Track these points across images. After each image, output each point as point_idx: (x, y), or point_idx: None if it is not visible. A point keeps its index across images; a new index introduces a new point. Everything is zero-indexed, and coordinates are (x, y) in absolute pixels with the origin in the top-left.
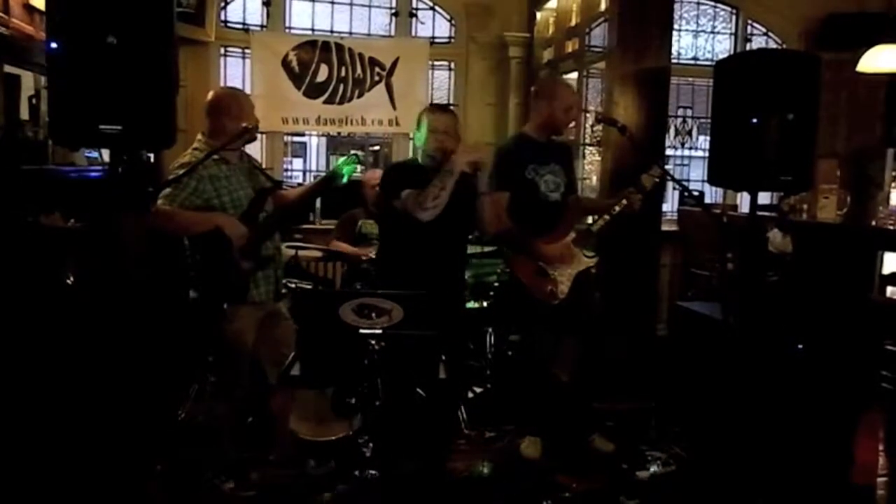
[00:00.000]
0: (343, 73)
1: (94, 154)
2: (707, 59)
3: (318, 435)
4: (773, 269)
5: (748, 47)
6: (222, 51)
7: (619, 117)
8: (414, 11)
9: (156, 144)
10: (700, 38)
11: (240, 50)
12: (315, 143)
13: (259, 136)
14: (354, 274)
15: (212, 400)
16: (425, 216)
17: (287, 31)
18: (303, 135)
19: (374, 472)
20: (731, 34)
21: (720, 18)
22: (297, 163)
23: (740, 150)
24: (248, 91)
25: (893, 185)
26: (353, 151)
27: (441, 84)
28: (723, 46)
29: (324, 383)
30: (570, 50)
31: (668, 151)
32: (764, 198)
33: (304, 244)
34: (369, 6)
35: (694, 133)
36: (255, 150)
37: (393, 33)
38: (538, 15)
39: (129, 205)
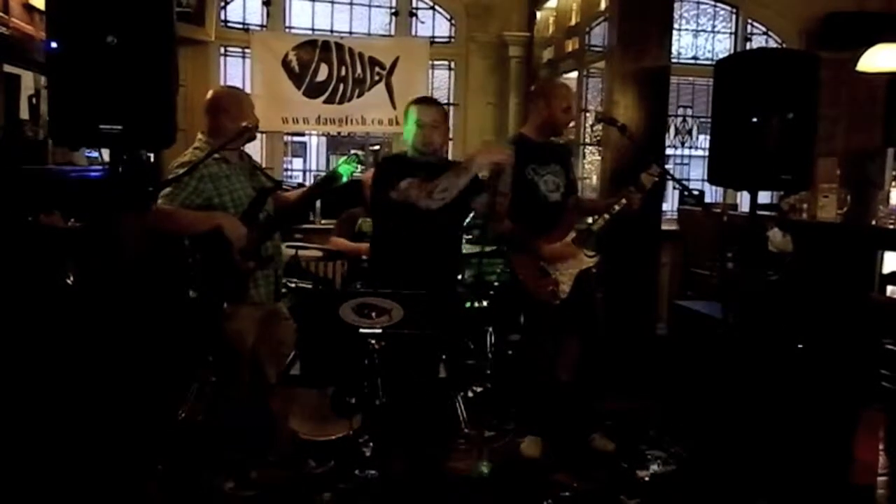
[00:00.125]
0: (343, 73)
1: (94, 154)
2: (707, 59)
3: (318, 435)
4: (772, 269)
5: (748, 46)
6: (222, 50)
7: (619, 117)
8: (414, 11)
9: (156, 144)
10: (700, 38)
11: (240, 50)
12: (315, 143)
13: (259, 135)
14: (354, 273)
15: (212, 400)
16: (432, 205)
17: (287, 30)
18: (303, 134)
19: (373, 472)
20: (730, 33)
21: (720, 18)
22: (297, 162)
23: (740, 149)
24: (247, 91)
25: (893, 184)
26: (352, 151)
27: (441, 84)
28: (723, 46)
29: (324, 383)
30: (570, 49)
31: (668, 151)
32: (764, 197)
33: (304, 244)
34: (369, 6)
35: (694, 132)
36: (255, 149)
37: (393, 33)
38: (538, 14)
39: (129, 205)
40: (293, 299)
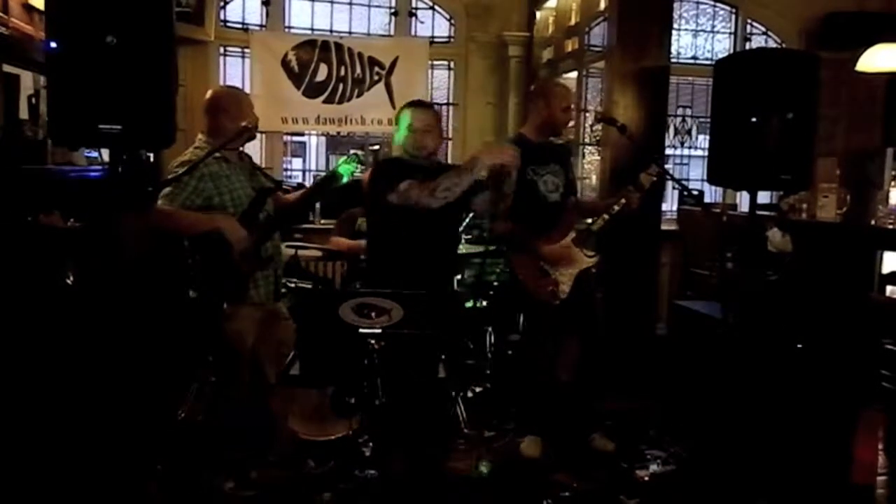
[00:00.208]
0: (342, 73)
1: (94, 154)
2: (706, 59)
3: (318, 435)
4: (772, 269)
5: (748, 46)
6: (222, 50)
7: (618, 116)
8: (413, 11)
9: (156, 144)
10: (699, 38)
11: (239, 49)
12: (315, 143)
13: (258, 135)
14: (354, 273)
15: (212, 400)
16: (433, 203)
17: (286, 30)
18: (302, 134)
19: (373, 471)
20: (730, 33)
21: (720, 17)
22: (297, 162)
23: (740, 149)
24: (247, 91)
25: (893, 184)
26: (352, 151)
27: (441, 83)
28: (722, 46)
29: (324, 383)
30: (569, 49)
31: (668, 151)
32: (763, 197)
33: (304, 244)
34: (369, 5)
35: (693, 132)
36: (254, 149)
37: (392, 33)
38: (538, 14)
39: (129, 205)
40: (293, 299)
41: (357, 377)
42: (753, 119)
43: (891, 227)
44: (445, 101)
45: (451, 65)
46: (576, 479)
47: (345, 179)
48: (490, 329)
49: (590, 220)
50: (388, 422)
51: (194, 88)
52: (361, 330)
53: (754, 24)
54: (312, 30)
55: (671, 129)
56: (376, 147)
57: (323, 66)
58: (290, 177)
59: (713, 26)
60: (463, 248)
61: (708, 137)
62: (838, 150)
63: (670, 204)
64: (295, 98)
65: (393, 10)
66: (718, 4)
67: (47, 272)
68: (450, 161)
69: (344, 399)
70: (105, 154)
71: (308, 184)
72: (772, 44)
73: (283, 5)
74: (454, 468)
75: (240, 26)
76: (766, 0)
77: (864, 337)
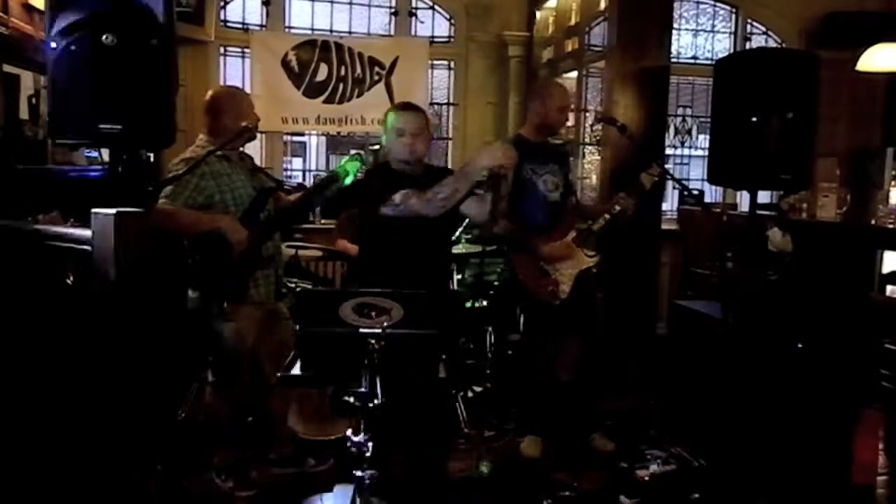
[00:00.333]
0: (343, 73)
1: (94, 154)
2: (707, 58)
3: (318, 434)
4: (772, 268)
5: (748, 46)
6: (222, 50)
7: (618, 116)
8: (413, 11)
9: (156, 144)
10: (700, 37)
11: (239, 49)
12: (315, 143)
13: (259, 135)
14: (354, 273)
15: (211, 399)
16: (432, 213)
17: (287, 30)
18: (302, 134)
19: (374, 471)
20: (730, 33)
21: (720, 17)
22: (297, 162)
23: (740, 148)
24: (247, 91)
25: (893, 183)
26: (353, 151)
27: (441, 83)
28: (722, 45)
29: (323, 383)
30: (569, 49)
31: (668, 150)
32: (763, 196)
33: (304, 244)
34: (369, 5)
35: (693, 132)
36: (254, 149)
37: (392, 32)
38: (538, 14)
39: (129, 205)
40: (293, 299)
41: (357, 377)
42: (753, 119)
43: (891, 226)
44: (445, 101)
45: (451, 65)
46: (576, 479)
47: (349, 179)
48: (490, 329)
49: (590, 220)
50: (389, 422)
51: (194, 88)
52: (362, 330)
53: (754, 23)
54: (312, 30)
55: (671, 129)
56: (376, 147)
57: (323, 66)
58: (290, 177)
59: (713, 26)
60: (463, 248)
61: (708, 137)
62: (838, 150)
63: (670, 204)
64: (295, 98)
65: (393, 10)
66: (718, 4)
67: (47, 272)
68: (449, 161)
69: (344, 399)
70: (105, 154)
71: (308, 184)
72: (772, 43)
73: (283, 5)
74: (454, 468)
75: (240, 26)
76: (766, 0)
77: (864, 337)
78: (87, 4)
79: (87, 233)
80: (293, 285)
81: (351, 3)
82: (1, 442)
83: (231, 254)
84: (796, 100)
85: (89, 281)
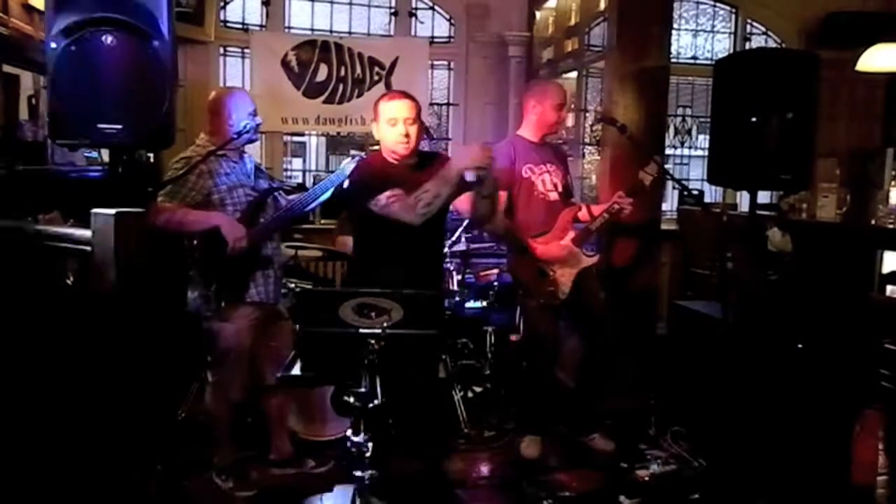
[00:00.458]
0: (342, 73)
1: (94, 154)
2: (706, 59)
3: (318, 434)
4: (772, 268)
5: (747, 46)
6: (222, 50)
7: (618, 116)
8: (413, 11)
9: (156, 144)
10: (699, 38)
11: (239, 50)
12: (315, 143)
13: (259, 135)
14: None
15: (210, 399)
16: (416, 221)
17: (286, 30)
18: (302, 134)
19: (373, 471)
20: (730, 33)
21: (719, 17)
22: (297, 162)
23: (740, 149)
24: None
25: (893, 183)
26: (353, 151)
27: (441, 83)
28: (722, 45)
29: (323, 383)
30: (569, 49)
31: (668, 151)
32: (763, 197)
33: (304, 244)
34: (368, 6)
35: (693, 132)
36: (255, 149)
37: (392, 33)
38: (538, 14)
39: (129, 205)
40: (293, 299)
41: (357, 377)
42: (753, 119)
43: (891, 226)
44: (445, 101)
45: (451, 65)
46: (576, 478)
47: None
48: (490, 329)
49: (589, 219)
50: (388, 422)
51: (194, 88)
52: (361, 330)
53: (754, 23)
54: (312, 30)
55: (671, 129)
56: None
57: (323, 67)
58: (290, 177)
59: (713, 26)
60: (463, 248)
61: (708, 137)
62: (838, 150)
63: (670, 204)
64: (295, 98)
65: (393, 10)
66: (718, 4)
67: (47, 272)
68: None
69: (344, 398)
70: (105, 154)
71: (308, 184)
72: (772, 44)
73: (283, 5)
74: (454, 468)
75: (240, 26)
76: (766, 0)
77: (864, 337)
78: (87, 4)
79: (87, 233)
80: (293, 285)
81: (351, 4)
82: (1, 442)
83: (227, 253)
84: (796, 100)
85: (89, 281)
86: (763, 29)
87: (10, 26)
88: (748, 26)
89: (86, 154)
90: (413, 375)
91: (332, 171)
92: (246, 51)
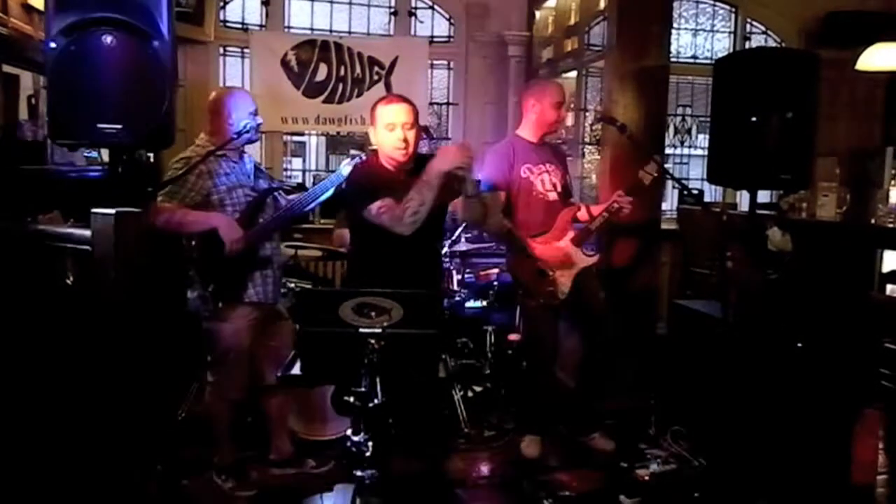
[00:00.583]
0: (342, 73)
1: (94, 154)
2: (706, 58)
3: (318, 434)
4: (772, 268)
5: (747, 46)
6: (221, 50)
7: (618, 116)
8: (413, 10)
9: (155, 144)
10: (699, 37)
11: (239, 49)
12: (314, 143)
13: (259, 135)
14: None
15: (210, 399)
16: (405, 231)
17: (286, 30)
18: (302, 134)
19: (374, 471)
20: (730, 33)
21: (719, 17)
22: (297, 162)
23: (739, 148)
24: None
25: (893, 183)
26: (352, 151)
27: (440, 83)
28: (722, 45)
29: (323, 382)
30: (569, 49)
31: (668, 150)
32: (763, 196)
33: (303, 244)
34: (368, 5)
35: (693, 132)
36: (254, 149)
37: (392, 32)
38: (537, 14)
39: (128, 205)
40: (293, 299)
41: (357, 376)
42: (753, 118)
43: (891, 225)
44: (445, 101)
45: (451, 65)
46: (576, 478)
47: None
48: (490, 329)
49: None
50: (388, 422)
51: (194, 88)
52: (361, 330)
53: (754, 23)
54: (312, 30)
55: (671, 129)
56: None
57: (323, 66)
58: (290, 177)
59: (713, 26)
60: (463, 248)
61: (708, 137)
62: (838, 149)
63: (670, 203)
64: (295, 98)
65: (392, 10)
66: (718, 4)
67: (47, 272)
68: None
69: (344, 398)
70: (105, 154)
71: (308, 184)
72: (771, 43)
73: (282, 5)
74: (454, 468)
75: (239, 26)
76: (765, 0)
77: (864, 336)
78: (87, 4)
79: (87, 233)
80: (293, 285)
81: (350, 3)
82: (1, 442)
83: (226, 253)
84: (796, 99)
85: (89, 281)
86: (763, 28)
87: (10, 26)
88: (748, 25)
89: (86, 154)
90: (413, 375)
91: (332, 171)
92: (246, 51)
